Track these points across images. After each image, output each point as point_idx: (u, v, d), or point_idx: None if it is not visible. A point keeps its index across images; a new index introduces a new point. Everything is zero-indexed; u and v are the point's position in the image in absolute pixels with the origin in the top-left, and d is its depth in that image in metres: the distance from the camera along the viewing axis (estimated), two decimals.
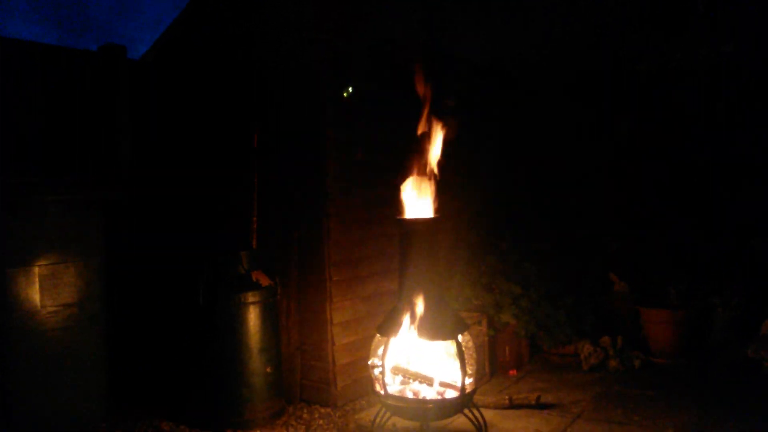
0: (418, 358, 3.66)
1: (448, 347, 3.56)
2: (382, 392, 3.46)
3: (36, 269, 3.55)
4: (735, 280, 5.41)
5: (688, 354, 5.25)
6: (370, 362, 3.66)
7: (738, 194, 5.71)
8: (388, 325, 3.53)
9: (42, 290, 3.56)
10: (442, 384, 3.52)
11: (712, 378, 4.79)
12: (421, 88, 3.73)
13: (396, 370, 3.63)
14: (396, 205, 3.69)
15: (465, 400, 3.44)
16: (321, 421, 4.09)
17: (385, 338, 3.50)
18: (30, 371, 3.49)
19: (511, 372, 5.02)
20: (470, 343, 3.61)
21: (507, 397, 4.21)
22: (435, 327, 3.44)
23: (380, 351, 3.53)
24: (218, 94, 4.79)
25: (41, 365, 3.54)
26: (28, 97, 4.05)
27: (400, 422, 3.80)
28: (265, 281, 4.11)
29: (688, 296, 5.42)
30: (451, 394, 3.44)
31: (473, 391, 3.52)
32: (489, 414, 3.95)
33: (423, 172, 3.68)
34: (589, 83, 6.23)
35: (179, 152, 4.74)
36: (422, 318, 3.44)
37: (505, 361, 5.07)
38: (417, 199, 3.66)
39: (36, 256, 3.55)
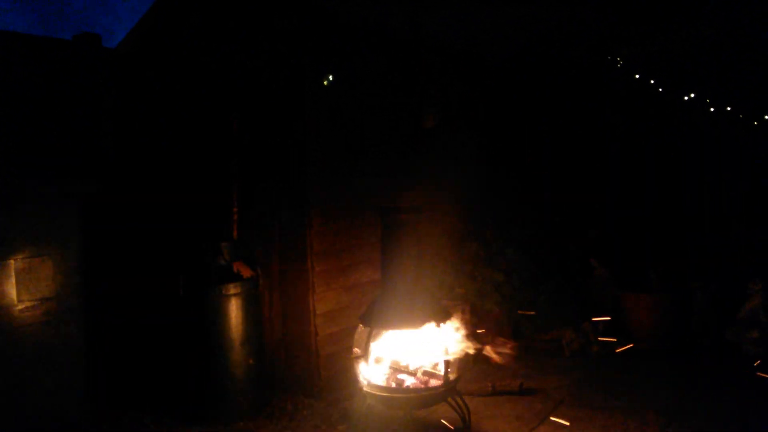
0: (402, 347, 3.66)
1: (431, 336, 3.56)
2: (366, 382, 3.46)
3: (12, 263, 3.48)
4: (714, 264, 5.47)
5: (669, 337, 5.30)
6: (353, 352, 3.65)
7: (719, 180, 5.77)
8: (371, 315, 3.52)
9: (18, 284, 3.49)
10: (426, 373, 3.53)
11: (692, 361, 4.85)
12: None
13: (380, 360, 3.62)
14: (379, 194, 3.68)
15: (448, 389, 3.45)
16: (305, 412, 4.09)
17: (368, 328, 3.50)
18: (6, 367, 3.44)
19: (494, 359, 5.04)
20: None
21: (490, 384, 4.24)
22: (418, 316, 3.43)
23: (364, 341, 3.52)
24: (198, 82, 4.72)
25: (18, 361, 3.49)
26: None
27: (385, 411, 3.80)
28: (246, 272, 4.08)
29: (668, 281, 5.47)
30: (435, 382, 3.45)
31: (456, 380, 3.53)
32: (472, 401, 3.96)
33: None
34: (569, 72, 6.23)
35: (160, 141, 4.67)
36: (405, 307, 3.43)
37: None
38: (400, 189, 3.65)
39: (12, 249, 3.48)
